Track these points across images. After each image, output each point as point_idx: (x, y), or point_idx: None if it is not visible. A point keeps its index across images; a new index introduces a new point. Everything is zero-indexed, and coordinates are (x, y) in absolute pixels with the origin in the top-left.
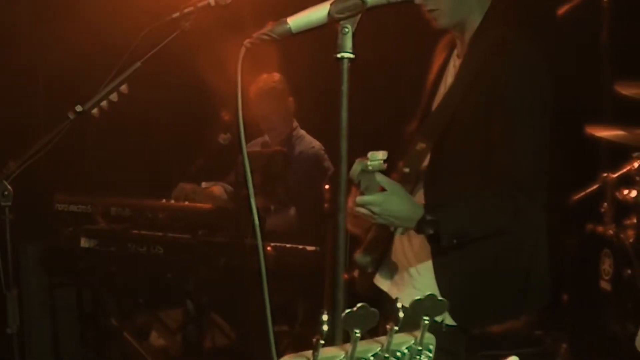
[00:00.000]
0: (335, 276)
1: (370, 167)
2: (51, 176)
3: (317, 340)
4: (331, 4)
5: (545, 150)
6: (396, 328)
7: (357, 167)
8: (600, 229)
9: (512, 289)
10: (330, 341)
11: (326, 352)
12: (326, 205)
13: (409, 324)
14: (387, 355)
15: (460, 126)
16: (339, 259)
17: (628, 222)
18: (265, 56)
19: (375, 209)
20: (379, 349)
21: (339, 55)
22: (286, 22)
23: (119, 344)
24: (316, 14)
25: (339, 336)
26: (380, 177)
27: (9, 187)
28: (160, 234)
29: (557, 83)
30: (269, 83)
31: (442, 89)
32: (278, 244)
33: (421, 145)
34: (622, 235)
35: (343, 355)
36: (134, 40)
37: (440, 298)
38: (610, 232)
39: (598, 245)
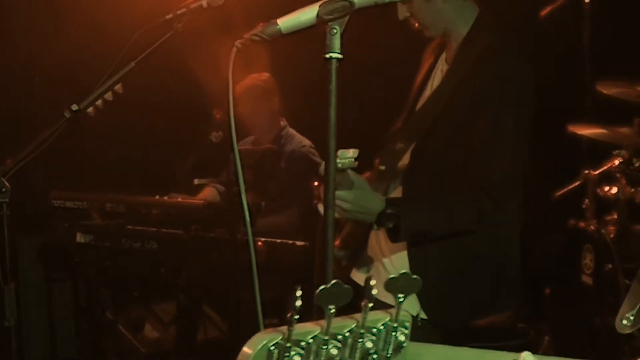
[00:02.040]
0: (324, 270)
1: (340, 165)
2: (48, 173)
3: (292, 315)
4: (320, 6)
5: (523, 161)
6: (371, 305)
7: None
8: (582, 224)
9: (485, 285)
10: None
11: (302, 327)
12: (315, 201)
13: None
14: (362, 331)
15: (442, 129)
16: (328, 253)
17: (609, 218)
18: (255, 56)
19: (346, 205)
20: (355, 325)
21: (327, 56)
22: (276, 23)
23: (113, 336)
24: (305, 15)
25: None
26: (350, 173)
27: (7, 183)
28: (154, 229)
29: (540, 83)
30: (254, 81)
31: (428, 92)
32: (268, 239)
33: (400, 145)
34: (603, 231)
35: (318, 331)
36: (128, 40)
37: (414, 276)
38: (592, 227)
39: (580, 240)
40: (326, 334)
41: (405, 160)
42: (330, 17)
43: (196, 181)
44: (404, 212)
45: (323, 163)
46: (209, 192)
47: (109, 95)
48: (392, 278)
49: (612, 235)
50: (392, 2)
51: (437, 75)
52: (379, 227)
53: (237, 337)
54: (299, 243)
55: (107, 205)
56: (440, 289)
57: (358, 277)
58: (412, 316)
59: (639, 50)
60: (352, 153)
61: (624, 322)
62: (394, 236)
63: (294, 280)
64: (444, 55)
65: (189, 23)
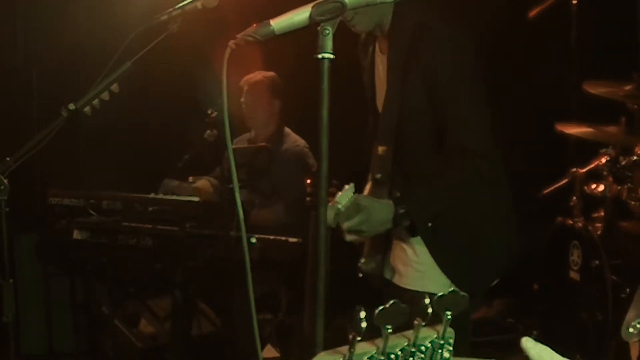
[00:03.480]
0: (317, 267)
1: (342, 209)
2: (45, 171)
3: (354, 337)
4: (312, 7)
5: (488, 113)
6: (423, 323)
7: (330, 212)
8: (569, 221)
9: (498, 246)
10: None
11: (358, 348)
12: (308, 199)
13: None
14: (413, 350)
15: (411, 119)
16: (320, 250)
17: (596, 215)
18: (250, 56)
19: (363, 228)
20: (406, 343)
21: (319, 56)
22: (270, 24)
23: (110, 331)
24: (298, 16)
25: (321, 324)
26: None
27: (5, 181)
28: (149, 226)
29: (529, 83)
30: (262, 78)
31: (379, 87)
32: (262, 236)
33: (382, 149)
34: (590, 228)
35: (375, 351)
36: (124, 41)
37: (462, 294)
38: (579, 224)
39: (567, 237)
40: (382, 354)
41: (391, 161)
42: (323, 18)
43: (191, 178)
44: (411, 206)
45: (329, 206)
46: (203, 184)
47: (105, 95)
48: (441, 296)
49: (599, 232)
50: (383, 2)
51: (379, 68)
52: (395, 228)
53: (231, 332)
54: (292, 240)
55: (103, 202)
56: (463, 262)
57: (388, 274)
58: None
59: (625, 51)
60: (349, 191)
61: (631, 330)
62: (412, 231)
63: (286, 277)
64: (377, 47)
65: (184, 24)
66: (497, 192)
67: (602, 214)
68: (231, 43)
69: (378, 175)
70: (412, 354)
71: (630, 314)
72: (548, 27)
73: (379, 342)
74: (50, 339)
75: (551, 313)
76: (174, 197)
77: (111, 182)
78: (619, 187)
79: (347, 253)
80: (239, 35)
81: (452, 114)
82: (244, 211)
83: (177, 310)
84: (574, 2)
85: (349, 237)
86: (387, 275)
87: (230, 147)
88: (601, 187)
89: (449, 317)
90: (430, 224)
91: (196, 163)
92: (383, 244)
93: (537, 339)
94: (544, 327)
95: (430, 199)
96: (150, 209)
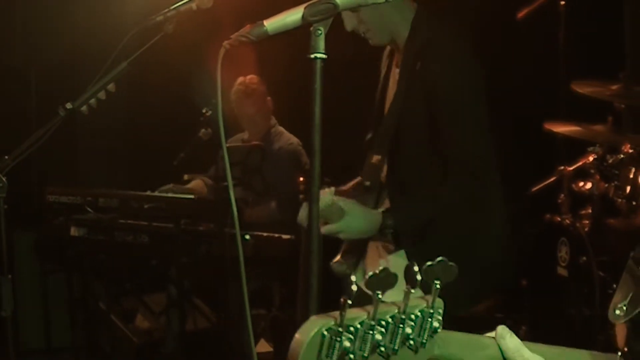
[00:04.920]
0: (309, 263)
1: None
2: (43, 169)
3: (345, 301)
4: (305, 8)
5: (487, 133)
6: (413, 290)
7: (303, 212)
8: (557, 218)
9: (483, 268)
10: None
11: (349, 312)
12: (301, 196)
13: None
14: (403, 317)
15: (407, 132)
16: (313, 246)
17: (583, 212)
18: (245, 57)
19: (341, 235)
20: (397, 310)
21: (312, 56)
22: (263, 25)
23: (106, 326)
24: (291, 17)
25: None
26: (336, 201)
27: (4, 179)
28: (145, 223)
29: (518, 83)
30: (249, 86)
31: (388, 98)
32: (255, 233)
33: (377, 158)
34: (578, 225)
35: (365, 316)
36: (121, 41)
37: (450, 263)
38: (567, 221)
39: (555, 234)
40: (373, 319)
41: (385, 171)
42: (315, 18)
43: (186, 176)
44: (398, 218)
45: (304, 205)
46: (197, 183)
47: (102, 95)
48: (430, 265)
49: (586, 229)
50: (375, 3)
51: (392, 81)
52: (381, 237)
53: (225, 327)
54: (284, 236)
55: (100, 200)
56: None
57: (359, 280)
58: None
59: (612, 51)
60: (328, 194)
61: (617, 312)
62: (397, 243)
63: (280, 273)
64: (395, 60)
65: (179, 24)
66: (490, 210)
67: (590, 211)
68: (225, 43)
69: (367, 183)
70: (402, 321)
71: (616, 297)
72: (536, 28)
73: (370, 308)
74: (48, 333)
75: (539, 308)
76: (169, 194)
77: (108, 180)
78: (606, 185)
79: (339, 249)
80: (233, 36)
81: (449, 131)
82: (237, 209)
83: (172, 305)
84: (562, 3)
85: (324, 230)
86: (358, 276)
87: (224, 145)
88: (589, 185)
89: (438, 286)
90: (415, 239)
91: (191, 161)
92: (359, 248)
93: (525, 334)
94: (533, 322)
95: (418, 213)
96: (146, 206)
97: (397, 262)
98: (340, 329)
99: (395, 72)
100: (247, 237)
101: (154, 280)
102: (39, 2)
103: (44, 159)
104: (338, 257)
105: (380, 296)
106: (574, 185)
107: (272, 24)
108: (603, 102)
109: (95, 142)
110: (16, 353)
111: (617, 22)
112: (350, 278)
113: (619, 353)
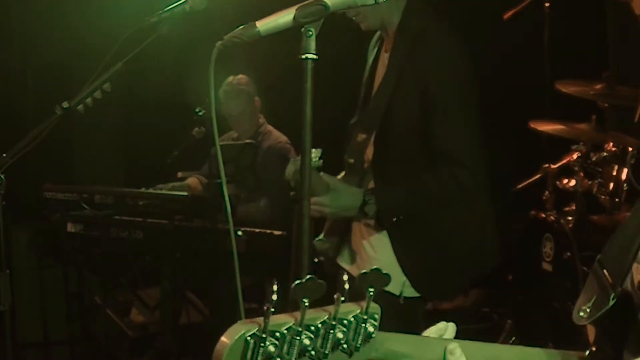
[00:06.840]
0: (300, 258)
1: None
2: (40, 167)
3: (268, 308)
4: (296, 9)
5: (478, 126)
6: (343, 298)
7: (291, 167)
8: (542, 215)
9: (466, 255)
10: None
11: (277, 318)
12: (292, 193)
13: (357, 295)
14: (334, 323)
15: (397, 116)
16: (304, 242)
17: (568, 209)
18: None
19: (327, 210)
20: (327, 316)
21: (303, 56)
22: (255, 26)
23: (102, 320)
24: (283, 18)
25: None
26: (322, 176)
27: (2, 176)
28: (140, 219)
29: (504, 82)
30: (236, 86)
31: (377, 84)
32: (248, 229)
33: (362, 136)
34: (562, 221)
35: (293, 322)
36: (116, 41)
37: (384, 272)
38: (552, 218)
39: (540, 230)
40: (300, 326)
41: (370, 150)
42: (306, 20)
43: (180, 174)
44: (381, 199)
45: (291, 161)
46: (193, 181)
47: (98, 94)
48: (365, 273)
49: (570, 225)
50: (364, 5)
51: (381, 65)
52: (362, 217)
53: (218, 321)
54: (276, 232)
55: (96, 196)
56: (427, 264)
57: (344, 263)
58: (395, 295)
59: (595, 52)
60: (315, 153)
61: (581, 314)
62: (379, 223)
63: (272, 267)
64: (384, 46)
65: (173, 25)
66: (476, 201)
67: (574, 207)
68: (218, 44)
69: (351, 160)
70: (333, 327)
71: (581, 299)
72: (522, 28)
73: (299, 314)
74: (44, 327)
75: (525, 302)
76: (164, 191)
77: (103, 177)
78: (590, 182)
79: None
80: (226, 36)
81: (439, 121)
82: (230, 205)
83: (166, 300)
84: (547, 4)
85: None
86: (341, 262)
87: (217, 143)
88: (573, 182)
89: (372, 293)
90: (395, 219)
91: (185, 159)
92: (342, 227)
93: (511, 328)
94: (518, 316)
95: (401, 198)
96: (141, 203)
97: (380, 242)
98: (263, 335)
99: (385, 57)
100: (240, 233)
101: (149, 275)
102: (35, 2)
103: (41, 157)
104: (321, 236)
105: (306, 303)
106: (558, 183)
107: (264, 25)
108: (587, 101)
109: (91, 141)
110: (14, 345)
111: (600, 24)
112: (273, 287)
113: (587, 352)
